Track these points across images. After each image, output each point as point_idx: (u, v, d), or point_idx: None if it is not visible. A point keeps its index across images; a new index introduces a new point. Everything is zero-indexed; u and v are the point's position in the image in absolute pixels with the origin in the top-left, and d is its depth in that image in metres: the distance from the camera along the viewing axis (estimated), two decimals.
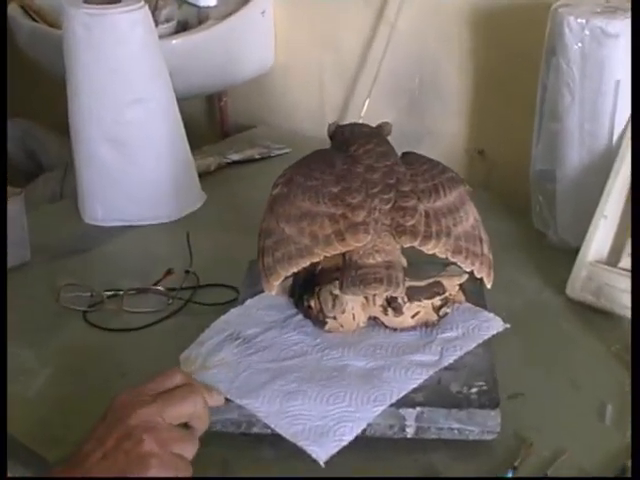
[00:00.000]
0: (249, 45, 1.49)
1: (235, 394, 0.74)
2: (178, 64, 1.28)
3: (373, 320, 0.83)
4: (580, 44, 0.97)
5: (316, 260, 0.80)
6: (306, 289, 0.85)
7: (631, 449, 0.71)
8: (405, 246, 0.80)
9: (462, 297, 0.86)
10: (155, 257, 1.10)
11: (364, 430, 0.72)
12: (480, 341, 0.80)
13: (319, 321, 0.83)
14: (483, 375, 0.77)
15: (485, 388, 0.75)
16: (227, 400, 0.74)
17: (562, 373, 0.85)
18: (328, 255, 0.79)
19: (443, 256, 0.80)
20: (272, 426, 0.71)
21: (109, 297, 0.98)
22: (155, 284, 1.01)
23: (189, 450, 0.64)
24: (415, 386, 0.75)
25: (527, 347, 0.88)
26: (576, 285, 0.96)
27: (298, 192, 0.82)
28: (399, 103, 1.40)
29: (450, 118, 1.35)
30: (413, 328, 0.82)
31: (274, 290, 0.81)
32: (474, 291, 0.87)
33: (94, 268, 1.08)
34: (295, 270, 0.80)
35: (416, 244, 0.79)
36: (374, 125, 0.91)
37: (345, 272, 0.79)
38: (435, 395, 0.74)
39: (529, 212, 1.12)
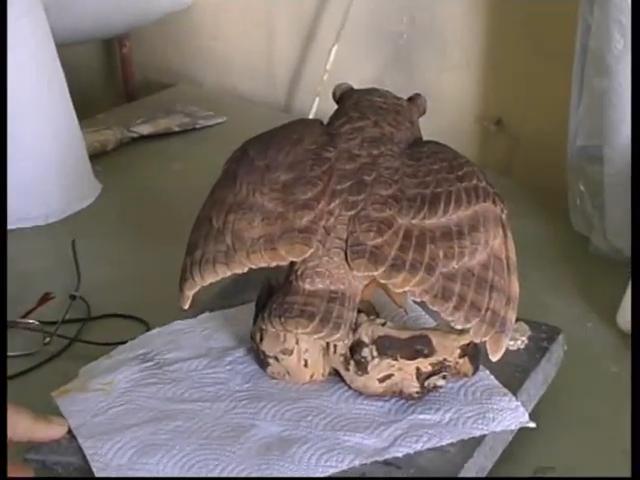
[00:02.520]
0: None
1: (85, 432, 0.77)
2: None
3: (337, 375, 0.83)
4: None
5: (239, 271, 0.80)
6: (258, 312, 0.84)
7: (631, 449, 0.73)
8: (359, 275, 0.78)
9: (469, 368, 0.82)
10: (26, 276, 1.10)
11: None
12: (465, 437, 0.77)
13: (260, 360, 0.83)
14: None
15: None
16: (74, 437, 0.76)
17: (611, 438, 0.85)
18: (254, 267, 0.79)
19: (418, 299, 0.78)
20: None
21: None
22: (25, 315, 1.01)
23: None
24: (319, 476, 0.73)
25: (563, 401, 0.89)
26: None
27: (240, 172, 0.83)
28: (380, 52, 1.41)
29: (453, 74, 1.36)
30: (381, 396, 0.80)
31: (187, 302, 0.82)
32: (524, 362, 0.84)
33: None
34: (212, 280, 0.80)
35: (376, 274, 0.77)
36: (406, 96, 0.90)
37: (274, 296, 0.79)
38: None
39: (566, 207, 1.13)
